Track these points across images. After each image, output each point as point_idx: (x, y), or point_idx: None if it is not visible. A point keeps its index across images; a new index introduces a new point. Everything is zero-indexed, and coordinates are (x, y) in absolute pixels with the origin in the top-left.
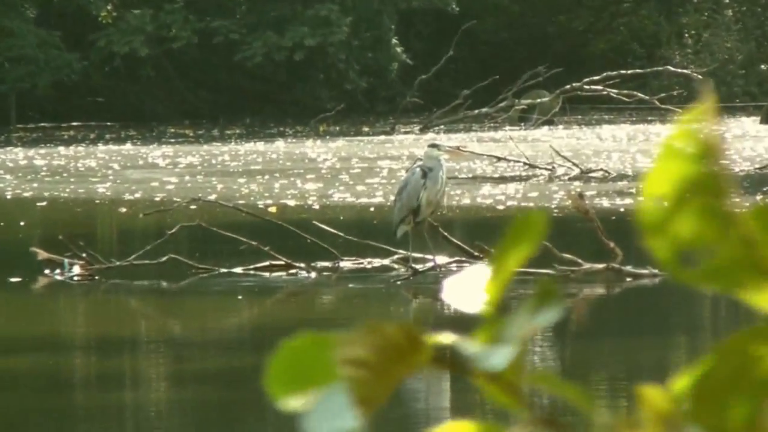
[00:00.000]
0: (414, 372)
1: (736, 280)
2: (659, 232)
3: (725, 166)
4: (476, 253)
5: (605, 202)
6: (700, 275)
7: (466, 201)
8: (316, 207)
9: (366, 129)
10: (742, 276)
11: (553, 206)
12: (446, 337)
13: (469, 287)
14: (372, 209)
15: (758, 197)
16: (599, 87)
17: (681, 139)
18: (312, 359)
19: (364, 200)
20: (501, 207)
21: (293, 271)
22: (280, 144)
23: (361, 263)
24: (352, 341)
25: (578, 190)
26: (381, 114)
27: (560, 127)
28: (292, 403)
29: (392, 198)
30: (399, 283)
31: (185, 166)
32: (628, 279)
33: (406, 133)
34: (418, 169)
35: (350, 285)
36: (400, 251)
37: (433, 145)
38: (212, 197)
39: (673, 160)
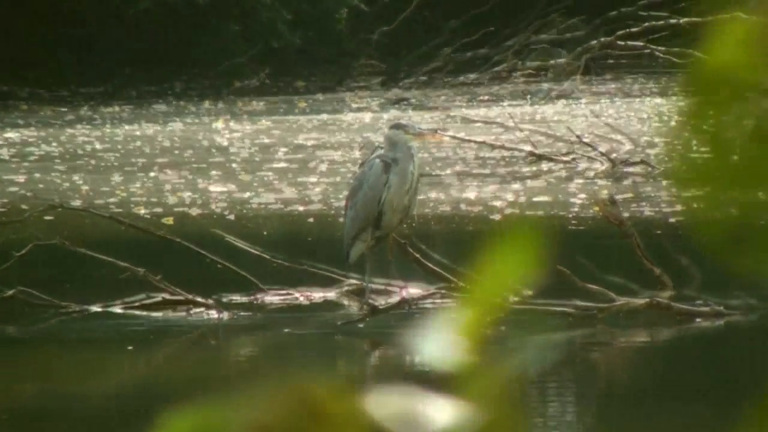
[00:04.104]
0: None
1: None
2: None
3: None
4: (461, 283)
5: (647, 210)
6: None
7: (446, 208)
8: (229, 217)
9: (302, 105)
10: None
11: (571, 215)
12: (395, 403)
13: (443, 326)
14: (310, 220)
15: None
16: (639, 42)
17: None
18: None
19: (297, 207)
20: (495, 216)
21: (197, 309)
22: (175, 126)
23: (296, 298)
24: (259, 416)
25: (609, 191)
26: (323, 82)
27: (582, 100)
28: None
29: (339, 204)
30: (358, 325)
31: (37, 158)
32: (682, 319)
33: (359, 109)
34: (377, 161)
35: (282, 330)
36: (353, 280)
37: (398, 126)
38: (77, 203)
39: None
